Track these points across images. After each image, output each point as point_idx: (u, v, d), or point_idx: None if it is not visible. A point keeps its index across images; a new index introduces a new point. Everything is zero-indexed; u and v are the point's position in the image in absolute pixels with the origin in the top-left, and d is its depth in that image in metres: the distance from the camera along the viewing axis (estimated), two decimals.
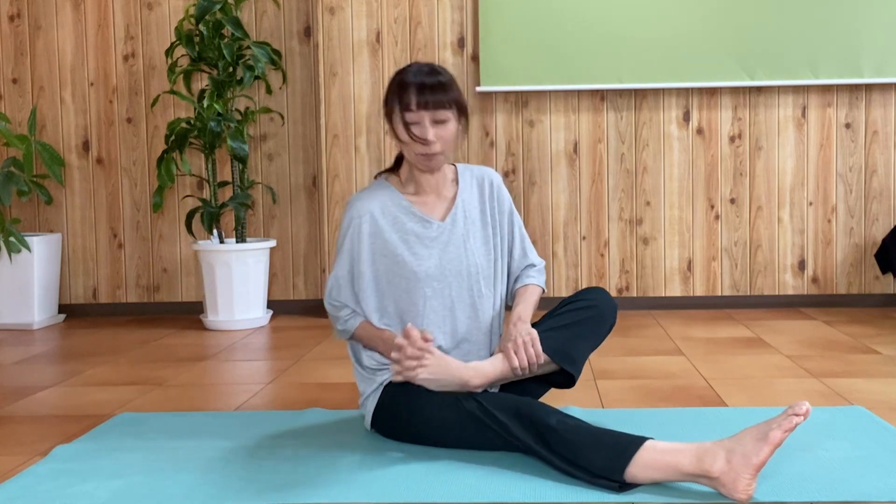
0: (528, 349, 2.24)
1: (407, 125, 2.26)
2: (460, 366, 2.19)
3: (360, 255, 2.32)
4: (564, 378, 2.37)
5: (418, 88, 2.24)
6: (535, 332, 2.28)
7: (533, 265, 2.50)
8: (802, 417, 1.83)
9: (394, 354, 2.14)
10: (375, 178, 2.45)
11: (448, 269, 2.34)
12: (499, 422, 2.10)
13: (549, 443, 2.02)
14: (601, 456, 1.95)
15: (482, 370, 2.21)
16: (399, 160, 2.44)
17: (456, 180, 2.45)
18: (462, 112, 2.32)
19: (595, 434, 1.99)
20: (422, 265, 2.32)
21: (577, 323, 2.35)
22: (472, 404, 2.15)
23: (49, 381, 3.24)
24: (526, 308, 2.39)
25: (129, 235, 4.77)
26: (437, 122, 2.26)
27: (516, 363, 2.23)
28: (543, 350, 2.27)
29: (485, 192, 2.45)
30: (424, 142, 2.25)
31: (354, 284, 2.35)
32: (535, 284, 2.47)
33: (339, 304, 2.37)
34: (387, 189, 2.38)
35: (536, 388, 2.45)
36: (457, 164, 2.48)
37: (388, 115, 2.32)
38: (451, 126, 2.28)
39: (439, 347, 2.34)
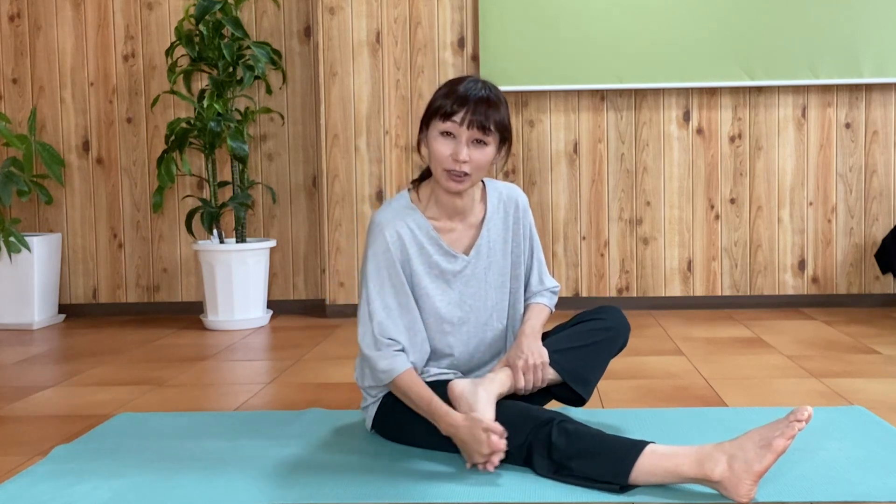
0: (536, 373, 2.21)
1: (442, 135, 2.13)
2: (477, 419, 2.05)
3: (403, 280, 2.19)
4: (572, 395, 2.33)
5: (464, 100, 2.11)
6: (545, 353, 2.24)
7: (547, 289, 2.44)
8: (805, 423, 1.83)
9: (485, 450, 1.99)
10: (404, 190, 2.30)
11: (467, 305, 2.28)
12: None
13: (552, 459, 2.00)
14: (603, 466, 1.94)
15: (486, 404, 2.09)
16: (425, 175, 2.30)
17: (483, 199, 2.32)
18: (505, 139, 2.18)
19: (594, 441, 1.97)
20: (448, 309, 2.26)
21: (593, 344, 2.31)
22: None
23: (49, 381, 3.24)
24: (536, 323, 2.33)
25: (129, 235, 4.77)
26: (476, 143, 2.13)
27: (522, 384, 2.20)
28: (557, 369, 2.24)
29: (510, 216, 2.33)
30: (456, 158, 2.11)
31: (404, 314, 2.20)
32: (544, 304, 2.41)
33: (390, 341, 2.17)
34: (412, 212, 2.23)
35: (539, 399, 2.41)
36: (485, 181, 2.35)
37: (426, 122, 2.18)
38: (489, 151, 2.15)
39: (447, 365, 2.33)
